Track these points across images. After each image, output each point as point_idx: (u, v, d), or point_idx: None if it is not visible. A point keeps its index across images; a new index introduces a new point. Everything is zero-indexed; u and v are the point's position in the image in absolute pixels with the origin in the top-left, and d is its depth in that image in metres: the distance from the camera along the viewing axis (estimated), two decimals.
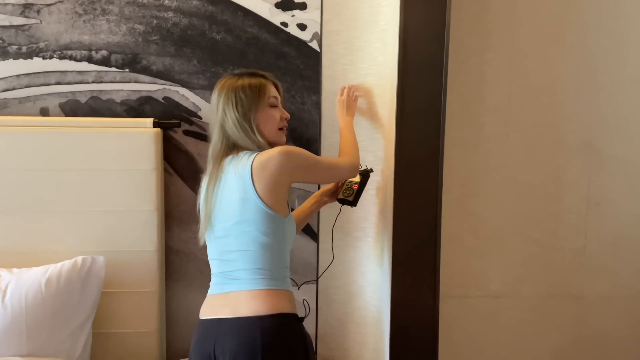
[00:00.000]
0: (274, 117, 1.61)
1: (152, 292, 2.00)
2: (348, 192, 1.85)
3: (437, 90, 1.71)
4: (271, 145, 1.56)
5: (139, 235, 1.98)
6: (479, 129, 2.11)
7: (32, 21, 1.99)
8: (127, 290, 1.98)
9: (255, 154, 1.50)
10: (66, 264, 1.82)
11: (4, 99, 2.02)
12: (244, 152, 1.53)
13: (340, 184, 1.91)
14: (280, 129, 1.63)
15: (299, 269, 2.18)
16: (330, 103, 2.07)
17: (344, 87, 1.90)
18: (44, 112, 2.04)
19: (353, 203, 1.85)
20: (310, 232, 2.17)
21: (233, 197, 1.50)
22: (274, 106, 1.61)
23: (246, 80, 1.57)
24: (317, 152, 2.09)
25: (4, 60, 2.00)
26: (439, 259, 1.72)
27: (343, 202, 1.86)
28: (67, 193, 1.95)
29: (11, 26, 1.99)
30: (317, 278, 2.12)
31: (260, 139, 1.55)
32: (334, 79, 2.06)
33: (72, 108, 2.05)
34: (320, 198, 1.89)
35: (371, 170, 1.89)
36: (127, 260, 1.97)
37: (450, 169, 2.00)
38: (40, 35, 2.00)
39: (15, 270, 1.84)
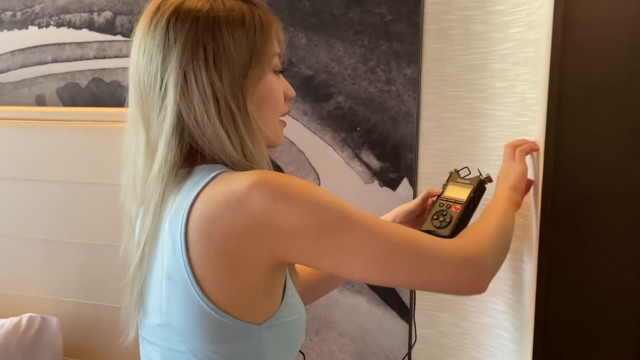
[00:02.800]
0: (277, 96, 0.77)
1: None
2: (442, 218, 0.96)
3: None
4: (253, 163, 0.71)
5: None
6: None
7: None
8: None
9: (210, 178, 0.67)
10: (7, 324, 1.23)
11: None
12: (201, 167, 0.71)
13: (430, 202, 1.02)
14: (280, 119, 0.80)
15: None
16: (435, 81, 1.16)
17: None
18: (40, 101, 1.50)
19: (451, 238, 0.94)
20: (397, 302, 1.26)
21: (158, 271, 0.70)
22: (277, 71, 0.77)
23: (228, 3, 0.71)
24: (408, 168, 1.19)
25: None
26: None
27: (432, 235, 0.96)
28: (44, 213, 1.37)
29: None
30: None
31: (249, 142, 0.70)
32: (445, 38, 1.15)
33: (71, 94, 1.47)
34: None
35: (488, 180, 1.00)
36: (110, 320, 1.31)
37: None
38: None
39: None
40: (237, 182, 0.65)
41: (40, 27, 1.47)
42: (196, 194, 0.66)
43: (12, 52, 1.51)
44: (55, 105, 1.48)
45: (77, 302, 1.33)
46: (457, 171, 1.05)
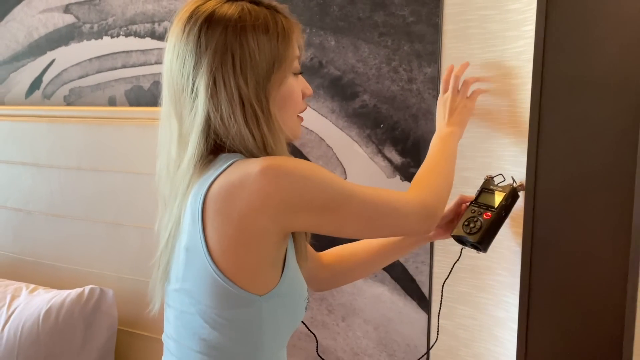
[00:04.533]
0: (297, 96, 0.86)
1: None
2: (472, 224, 1.00)
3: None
4: (271, 152, 0.81)
5: None
6: None
7: None
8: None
9: (227, 165, 0.77)
10: (72, 294, 1.41)
11: (79, 87, 1.75)
12: (223, 156, 0.81)
13: (463, 207, 1.07)
14: (298, 115, 0.90)
15: (396, 352, 1.34)
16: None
17: (451, 73, 1.07)
18: (112, 102, 1.70)
19: (480, 244, 1.00)
20: (417, 293, 1.31)
21: (179, 245, 0.82)
22: (296, 73, 0.86)
23: (254, 11, 0.80)
24: None
25: (79, 42, 1.73)
26: None
27: (462, 241, 1.02)
28: (109, 200, 1.56)
29: (84, 1, 1.70)
30: None
31: (271, 140, 0.80)
32: (464, 37, 1.19)
33: (137, 96, 1.66)
34: None
35: (521, 188, 1.03)
36: None
37: None
38: (109, 9, 1.67)
39: (40, 290, 1.52)
40: (252, 165, 0.74)
41: (112, 37, 1.67)
42: (215, 177, 0.76)
43: (90, 59, 1.72)
44: (123, 105, 1.67)
45: (134, 279, 1.50)
46: (491, 178, 1.07)
